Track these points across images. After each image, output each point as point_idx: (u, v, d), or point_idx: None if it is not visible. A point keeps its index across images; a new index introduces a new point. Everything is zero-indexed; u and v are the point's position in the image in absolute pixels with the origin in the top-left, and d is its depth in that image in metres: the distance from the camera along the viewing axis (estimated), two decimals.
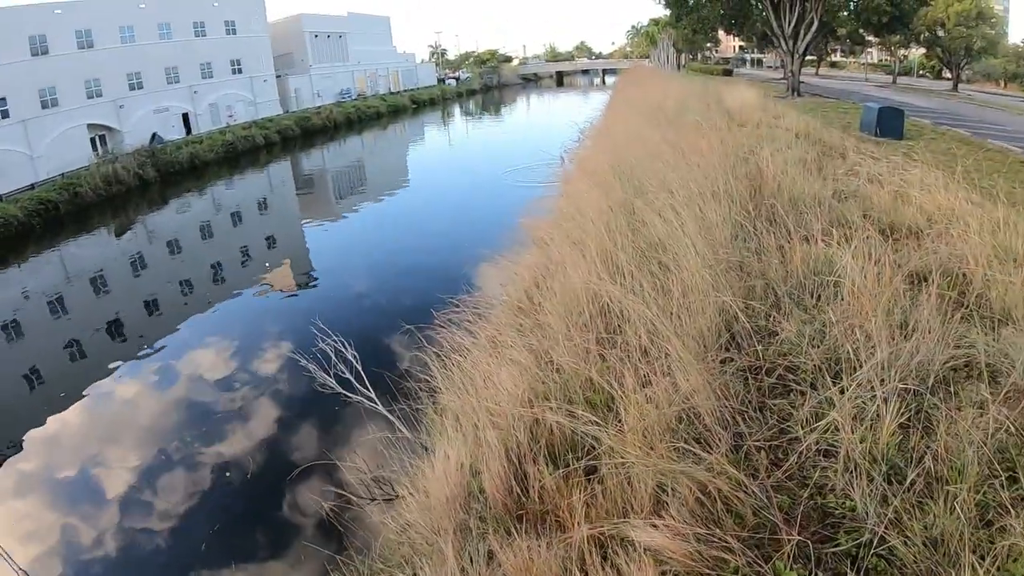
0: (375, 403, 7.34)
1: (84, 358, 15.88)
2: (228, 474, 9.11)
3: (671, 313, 5.01)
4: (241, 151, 44.78)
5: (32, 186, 32.15)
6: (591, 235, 7.71)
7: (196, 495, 9.15)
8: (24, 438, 12.17)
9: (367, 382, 7.55)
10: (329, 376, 7.79)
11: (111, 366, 13.94)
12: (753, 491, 3.46)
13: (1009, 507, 3.19)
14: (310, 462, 8.46)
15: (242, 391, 11.39)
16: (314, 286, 15.21)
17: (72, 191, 31.59)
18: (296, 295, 15.16)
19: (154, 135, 42.60)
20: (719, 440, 3.88)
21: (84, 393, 12.96)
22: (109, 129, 41.14)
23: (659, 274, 5.92)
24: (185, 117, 47.72)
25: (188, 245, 24.49)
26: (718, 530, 3.25)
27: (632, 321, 5.13)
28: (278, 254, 20.62)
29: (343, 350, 7.92)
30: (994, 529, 3.17)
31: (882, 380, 4.02)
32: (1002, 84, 73.75)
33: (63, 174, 33.81)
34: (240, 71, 54.40)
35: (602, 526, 3.63)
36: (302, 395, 10.30)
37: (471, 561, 4.10)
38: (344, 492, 7.34)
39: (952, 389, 4.24)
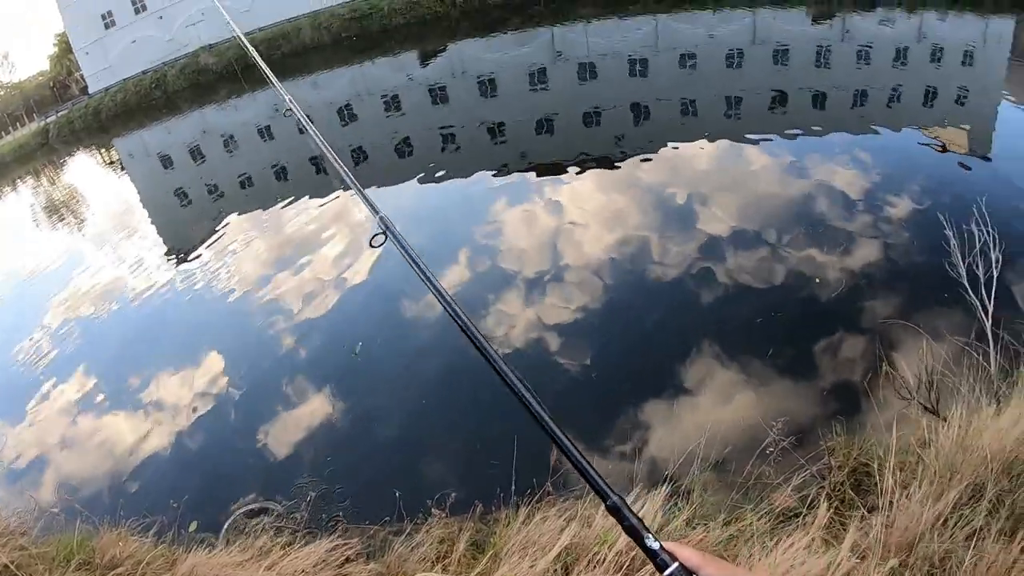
0: (986, 318, 7.09)
1: (738, 114, 17.92)
2: (817, 281, 9.77)
3: None
4: None
5: None
6: None
7: (763, 280, 10.07)
8: (656, 155, 14.88)
9: (992, 294, 7.31)
10: (963, 262, 7.67)
11: (750, 134, 15.69)
12: None
13: None
14: (888, 319, 8.59)
15: (861, 218, 11.48)
16: (983, 167, 14.19)
17: None
18: (961, 166, 14.42)
19: None
20: None
21: (721, 143, 15.22)
22: None
23: None
24: None
25: (878, 58, 23.98)
26: None
27: None
28: (961, 116, 19.25)
29: (989, 247, 7.67)
30: None
31: None
32: None
33: None
34: None
35: None
36: (917, 259, 10.09)
37: (958, 520, 4.18)
38: (892, 373, 7.44)
39: None
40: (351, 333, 11.11)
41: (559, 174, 15.15)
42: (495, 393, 8.52)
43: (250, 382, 10.65)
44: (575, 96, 22.05)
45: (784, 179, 13.44)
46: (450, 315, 2.08)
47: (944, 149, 15.37)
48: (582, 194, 14.14)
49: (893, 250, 10.51)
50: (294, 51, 38.06)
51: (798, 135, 15.71)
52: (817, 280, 9.83)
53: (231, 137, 28.64)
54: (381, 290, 12.14)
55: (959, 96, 21.14)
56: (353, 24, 38.44)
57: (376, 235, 2.80)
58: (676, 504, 5.63)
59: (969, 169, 14.23)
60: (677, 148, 15.56)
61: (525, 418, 5.89)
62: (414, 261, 2.39)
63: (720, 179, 13.79)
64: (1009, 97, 23.23)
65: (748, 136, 15.63)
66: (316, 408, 9.51)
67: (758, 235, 11.27)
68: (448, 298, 2.14)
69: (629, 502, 4.74)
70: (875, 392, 7.22)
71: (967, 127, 17.36)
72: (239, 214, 18.26)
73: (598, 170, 15.15)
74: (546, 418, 1.80)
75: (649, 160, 15.09)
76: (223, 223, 17.91)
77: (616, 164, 15.15)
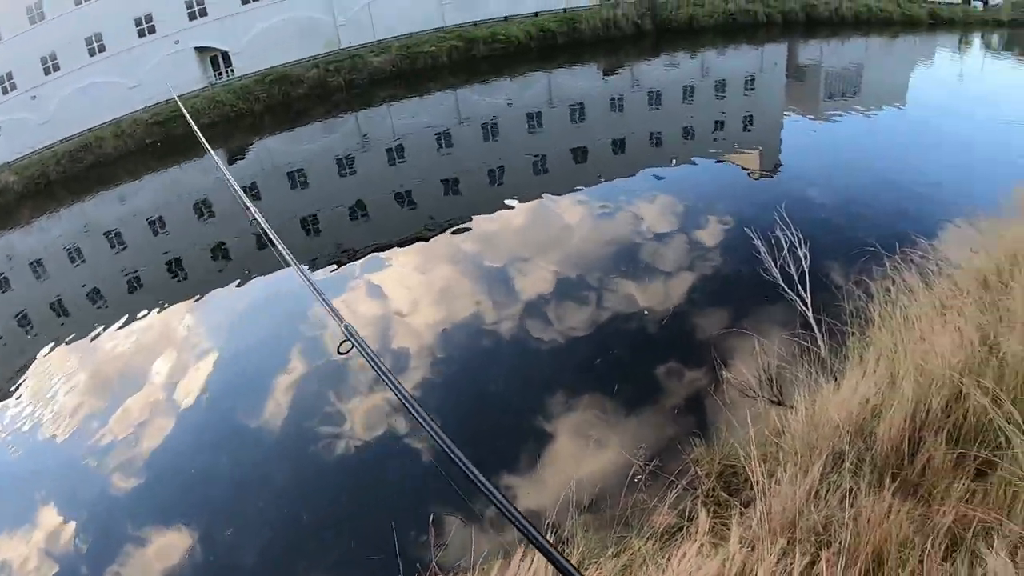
0: (807, 309, 7.43)
1: (545, 172, 18.30)
2: (646, 312, 10.03)
3: None
4: (740, 24, 44.33)
5: (536, 13, 36.91)
6: None
7: (595, 323, 10.21)
8: (472, 224, 14.92)
9: (807, 286, 7.63)
10: (775, 265, 7.98)
11: (558, 190, 16.11)
12: None
13: None
14: (719, 331, 8.90)
15: (676, 247, 12.04)
16: (777, 178, 15.28)
17: (571, 25, 36.40)
18: (757, 181, 15.37)
19: None
20: None
21: (533, 202, 15.48)
22: None
23: None
24: None
25: (668, 100, 25.67)
26: None
27: None
28: (751, 136, 20.78)
29: (796, 246, 8.02)
30: None
31: None
32: None
33: (565, 9, 38.25)
34: None
35: (964, 527, 3.65)
36: (734, 272, 10.63)
37: (829, 488, 4.39)
38: (735, 378, 7.74)
39: None
40: (189, 458, 9.99)
41: (379, 255, 14.64)
42: (354, 486, 7.86)
43: (93, 529, 9.25)
44: (385, 177, 21.79)
45: (598, 225, 13.95)
46: (412, 413, 2.42)
47: (749, 172, 16.41)
48: (404, 275, 13.75)
49: (711, 269, 11.15)
50: (98, 162, 35.57)
51: (605, 181, 16.34)
52: (646, 312, 10.14)
53: (38, 261, 26.09)
54: (216, 408, 11.06)
55: (746, 119, 22.91)
56: (156, 129, 36.54)
57: (343, 342, 3.19)
58: (563, 551, 5.53)
59: (765, 183, 15.29)
60: (492, 214, 15.67)
61: (395, 501, 5.37)
62: (374, 360, 2.80)
63: (538, 237, 14.05)
64: (788, 112, 25.55)
65: (558, 191, 16.14)
66: (172, 542, 8.36)
67: (583, 282, 11.48)
68: (406, 395, 2.54)
69: (515, 560, 4.88)
70: (723, 399, 7.48)
71: (758, 146, 18.70)
72: (57, 345, 16.33)
73: (417, 248, 14.82)
74: (524, 522, 2.03)
75: (466, 231, 15.03)
76: (40, 358, 15.94)
77: (434, 239, 14.91)
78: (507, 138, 23.32)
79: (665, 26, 39.52)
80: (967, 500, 3.86)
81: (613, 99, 26.26)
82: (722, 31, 41.68)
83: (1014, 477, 3.80)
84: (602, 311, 10.40)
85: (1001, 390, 4.46)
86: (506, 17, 37.37)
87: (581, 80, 29.89)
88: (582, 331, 10.01)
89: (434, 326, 11.20)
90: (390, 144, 25.12)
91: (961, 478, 4.02)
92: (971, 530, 3.64)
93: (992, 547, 3.35)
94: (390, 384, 2.53)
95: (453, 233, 14.87)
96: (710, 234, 12.06)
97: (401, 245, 14.97)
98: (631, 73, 30.76)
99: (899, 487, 4.16)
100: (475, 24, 36.92)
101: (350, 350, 3.03)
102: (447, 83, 32.66)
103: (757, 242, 8.64)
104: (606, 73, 30.87)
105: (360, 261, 14.72)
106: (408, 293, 12.71)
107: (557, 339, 10.02)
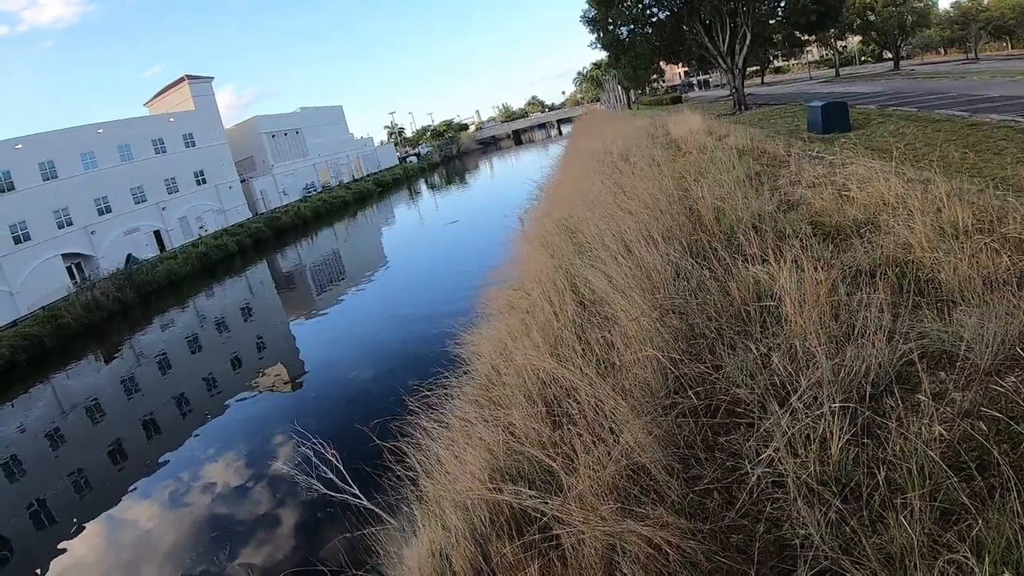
0: (360, 498, 7.33)
1: (90, 488, 15.78)
2: None
3: (615, 366, 5.05)
4: (216, 260, 45.43)
5: (15, 322, 32.98)
6: (536, 304, 7.84)
7: None
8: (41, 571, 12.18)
9: (349, 479, 7.57)
10: (312, 478, 7.83)
11: (118, 494, 14.04)
12: (704, 536, 3.40)
13: (968, 506, 3.00)
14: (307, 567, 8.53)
15: (243, 501, 11.60)
16: (303, 385, 15.44)
17: (55, 323, 32.41)
18: (287, 396, 15.34)
19: (129, 256, 43.49)
20: (668, 489, 3.82)
21: (93, 523, 13.12)
22: (84, 256, 42.39)
23: (604, 326, 5.97)
24: (157, 234, 48.69)
25: (178, 361, 24.64)
26: None
27: (575, 388, 5.16)
28: (268, 356, 20.78)
29: (323, 451, 7.97)
30: (950, 535, 2.96)
31: (828, 395, 3.89)
32: (942, 52, 76.65)
33: (44, 307, 34.43)
34: (204, 181, 55.65)
35: None
36: (298, 499, 10.49)
37: None
38: None
39: (908, 385, 4.11)
40: None
41: None
42: None
43: None
44: None
45: (178, 515, 12.42)
46: None
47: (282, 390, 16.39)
48: None
49: (276, 505, 10.96)
50: None
51: (157, 467, 14.67)
52: None
53: None
54: None
55: (259, 344, 22.95)
56: None
57: None
58: None
59: (291, 398, 15.44)
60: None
61: None
62: None
63: (105, 555, 11.92)
64: (291, 319, 26.42)
65: (114, 503, 13.65)
66: None
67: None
68: None
69: None
70: None
71: (278, 362, 18.79)
72: None
73: None
74: None
75: None
76: None
77: None
78: (34, 470, 19.59)
79: (147, 290, 38.39)
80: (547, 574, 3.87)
81: (126, 382, 24.09)
82: (202, 273, 41.94)
83: (573, 540, 3.91)
84: None
85: (526, 472, 4.77)
86: None
87: (86, 377, 26.87)
88: None
89: None
90: None
91: (537, 560, 4.02)
92: None
93: None
94: None
95: None
96: (263, 474, 11.88)
97: None
98: (132, 349, 28.83)
99: None
100: None
101: None
102: None
103: (287, 469, 8.54)
104: (107, 359, 28.38)
105: None
106: None
107: None
